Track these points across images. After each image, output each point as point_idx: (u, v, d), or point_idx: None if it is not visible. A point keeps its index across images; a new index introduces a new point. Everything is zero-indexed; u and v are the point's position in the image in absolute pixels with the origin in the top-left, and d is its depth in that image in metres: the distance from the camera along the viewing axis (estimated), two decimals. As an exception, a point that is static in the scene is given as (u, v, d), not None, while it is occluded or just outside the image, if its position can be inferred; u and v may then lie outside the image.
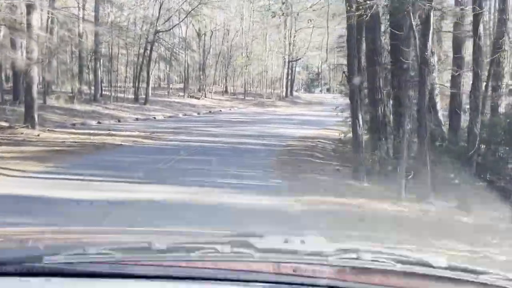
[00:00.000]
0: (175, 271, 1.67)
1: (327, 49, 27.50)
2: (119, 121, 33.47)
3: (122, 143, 20.93)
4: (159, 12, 46.09)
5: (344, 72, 18.39)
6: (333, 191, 12.07)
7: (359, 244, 2.03)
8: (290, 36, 65.16)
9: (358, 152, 14.14)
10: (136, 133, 25.35)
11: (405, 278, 1.73)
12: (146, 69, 45.26)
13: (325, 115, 42.99)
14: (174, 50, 53.17)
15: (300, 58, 69.21)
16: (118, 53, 46.73)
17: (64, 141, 20.79)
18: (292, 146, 22.86)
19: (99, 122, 31.39)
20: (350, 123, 23.80)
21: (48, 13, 30.63)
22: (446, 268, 1.74)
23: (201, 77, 58.21)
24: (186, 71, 57.24)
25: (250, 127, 31.55)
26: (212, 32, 60.90)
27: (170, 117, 38.92)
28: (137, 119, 35.41)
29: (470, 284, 1.73)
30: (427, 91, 12.17)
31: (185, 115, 41.58)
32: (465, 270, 1.77)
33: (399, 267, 1.72)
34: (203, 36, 59.08)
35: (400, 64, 14.65)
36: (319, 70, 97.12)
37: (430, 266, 1.74)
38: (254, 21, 65.98)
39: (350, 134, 22.82)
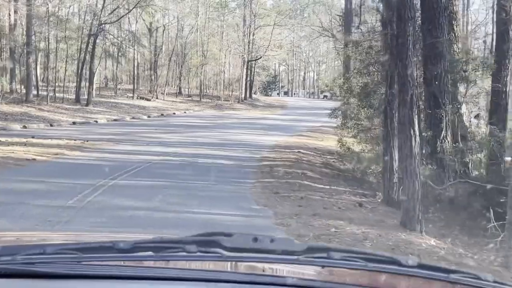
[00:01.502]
0: (139, 271, 1.58)
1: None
2: (51, 125, 29.04)
3: (37, 158, 14.96)
4: (104, 1, 40.40)
5: (381, 48, 12.67)
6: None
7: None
8: (249, 34, 60.62)
9: (411, 185, 8.31)
10: (65, 141, 19.49)
11: (375, 277, 1.69)
12: (89, 66, 39.44)
13: (290, 119, 40.35)
14: (122, 45, 47.67)
15: (260, 57, 64.35)
16: (57, 48, 41.33)
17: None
18: (270, 160, 17.22)
19: (24, 127, 26.98)
20: (345, 128, 18.55)
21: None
22: (416, 267, 1.65)
23: (153, 77, 53.05)
24: (135, 70, 52.10)
25: (210, 133, 26.91)
26: (165, 28, 55.81)
27: (115, 120, 34.45)
28: (74, 122, 30.42)
29: (440, 283, 1.67)
30: None
31: (133, 118, 37.25)
32: (435, 269, 1.70)
33: (369, 266, 1.62)
34: (155, 31, 53.99)
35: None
36: (276, 72, 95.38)
37: (401, 264, 1.65)
38: (210, 18, 61.94)
39: (349, 146, 17.52)
